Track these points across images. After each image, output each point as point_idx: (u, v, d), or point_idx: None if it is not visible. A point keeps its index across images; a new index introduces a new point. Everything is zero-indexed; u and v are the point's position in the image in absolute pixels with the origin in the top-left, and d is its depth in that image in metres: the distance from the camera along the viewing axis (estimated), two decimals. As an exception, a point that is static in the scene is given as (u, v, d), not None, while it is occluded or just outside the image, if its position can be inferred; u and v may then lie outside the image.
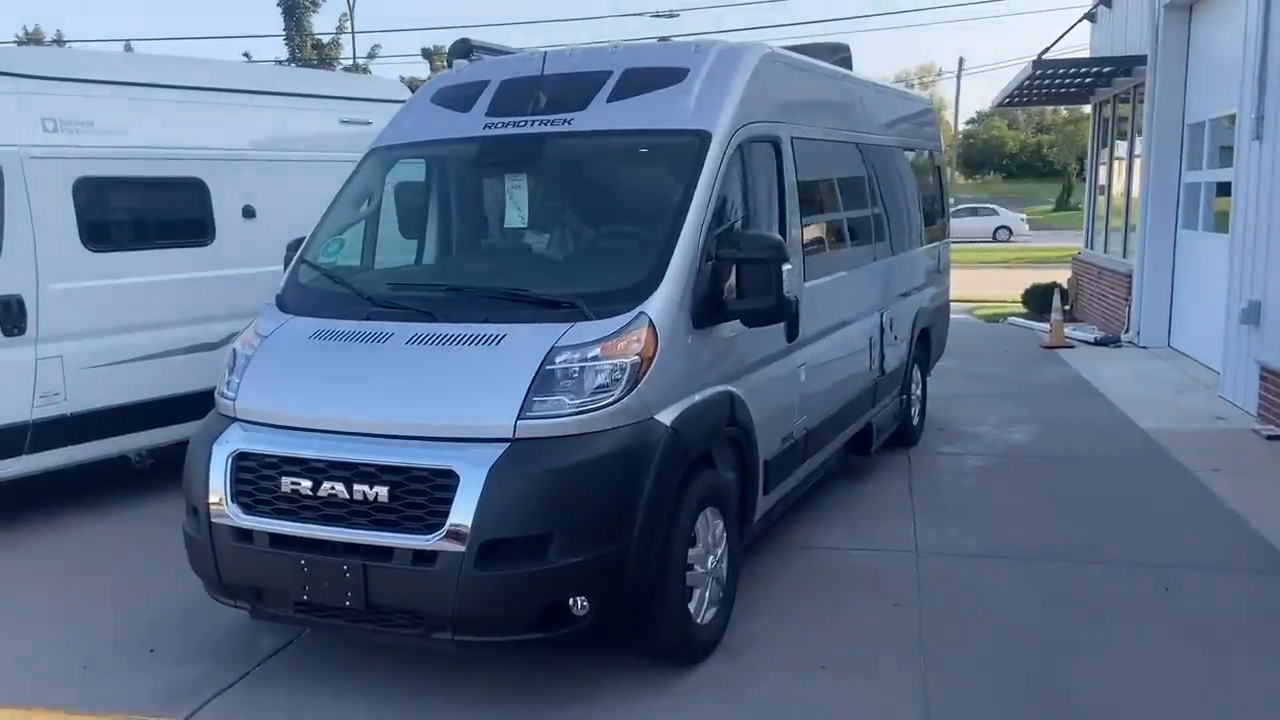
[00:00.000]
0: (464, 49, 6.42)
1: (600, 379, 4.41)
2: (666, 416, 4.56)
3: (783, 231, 5.76)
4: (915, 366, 8.90)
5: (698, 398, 4.80)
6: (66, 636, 5.29)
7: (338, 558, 4.33)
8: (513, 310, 4.72)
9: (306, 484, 4.40)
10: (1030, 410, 10.28)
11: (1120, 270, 15.08)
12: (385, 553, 4.27)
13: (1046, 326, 15.00)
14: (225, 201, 7.96)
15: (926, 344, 9.16)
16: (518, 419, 4.28)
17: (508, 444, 4.26)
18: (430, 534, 4.18)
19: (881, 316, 7.63)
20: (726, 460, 5.28)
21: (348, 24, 41.70)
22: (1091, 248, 18.17)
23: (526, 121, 5.50)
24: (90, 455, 7.28)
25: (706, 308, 4.87)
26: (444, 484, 4.20)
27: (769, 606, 5.51)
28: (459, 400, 4.42)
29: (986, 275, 25.29)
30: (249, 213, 8.08)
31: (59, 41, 62.95)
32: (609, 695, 4.61)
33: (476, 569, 4.13)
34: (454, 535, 4.14)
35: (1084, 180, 16.93)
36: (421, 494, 4.23)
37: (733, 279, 4.92)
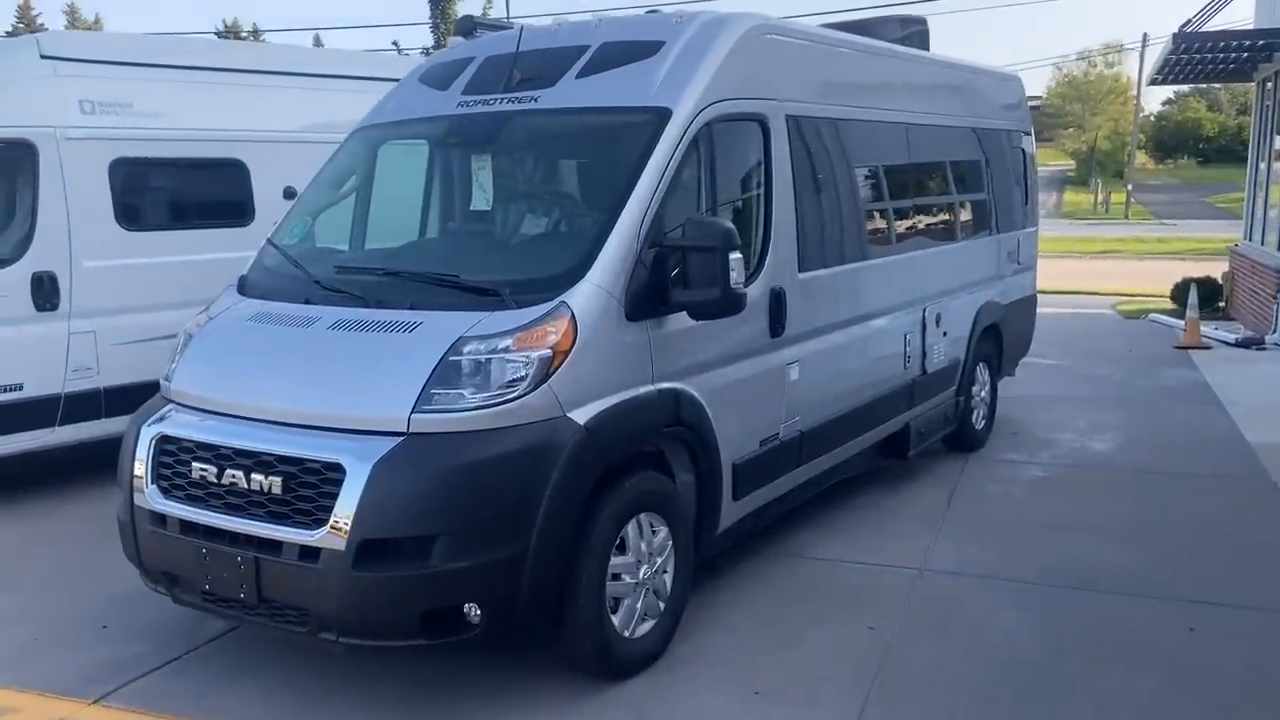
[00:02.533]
0: (468, 27, 6.24)
1: (508, 372, 4.14)
2: (582, 415, 4.25)
3: (768, 218, 5.34)
4: (980, 366, 8.23)
5: (627, 395, 4.46)
6: (25, 609, 5.39)
7: (234, 548, 4.22)
8: (438, 296, 4.51)
9: (213, 471, 4.31)
10: (1127, 416, 9.40)
11: (1270, 264, 13.70)
12: (276, 546, 4.12)
13: (1184, 324, 13.79)
14: (266, 183, 8.03)
15: (997, 342, 8.46)
16: (412, 412, 4.06)
17: (401, 438, 4.05)
18: (315, 529, 4.01)
19: (924, 311, 7.05)
20: (682, 462, 4.93)
21: (490, 10, 42.25)
22: (1250, 239, 16.62)
23: (496, 100, 5.28)
24: (121, 429, 7.46)
25: (646, 299, 4.53)
26: (332, 477, 4.02)
27: (729, 621, 5.13)
28: (359, 390, 4.23)
29: (1137, 267, 23.63)
30: (290, 194, 8.06)
31: (255, 34, 66.61)
32: (521, 702, 4.36)
33: (355, 569, 3.93)
34: (336, 532, 3.96)
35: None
36: (311, 487, 4.07)
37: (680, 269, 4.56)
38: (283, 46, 9.52)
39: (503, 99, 5.26)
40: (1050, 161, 77.61)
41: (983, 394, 8.33)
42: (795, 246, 5.54)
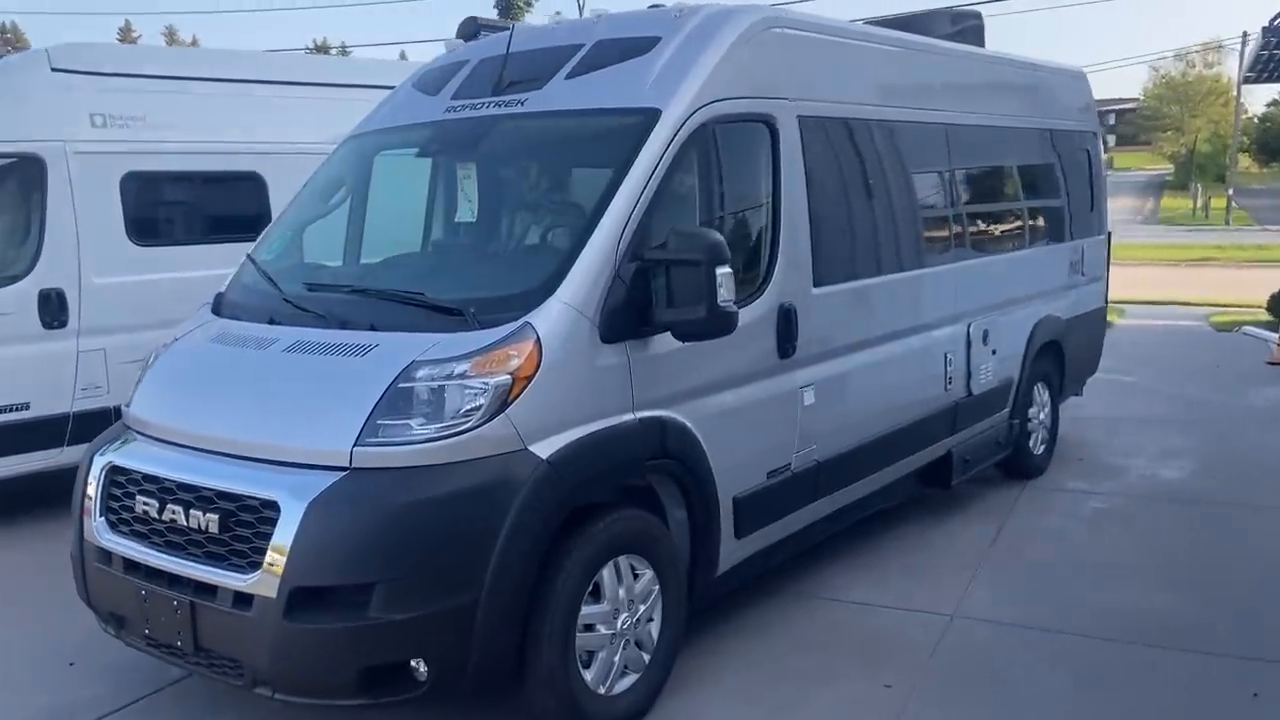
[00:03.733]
0: (471, 29, 5.88)
1: (463, 401, 3.75)
2: (545, 448, 3.83)
3: (775, 228, 4.87)
4: (1039, 386, 7.61)
5: (602, 425, 4.03)
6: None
7: (172, 591, 3.90)
8: (401, 316, 4.14)
9: (155, 505, 4.00)
10: (1205, 441, 8.64)
11: (1375, 274, 12.68)
12: (211, 591, 3.79)
13: (1277, 338, 12.86)
14: (284, 196, 7.66)
15: (1058, 359, 7.81)
16: (355, 444, 3.69)
17: (343, 473, 3.68)
18: (249, 574, 3.67)
19: (969, 328, 6.48)
20: (673, 498, 4.49)
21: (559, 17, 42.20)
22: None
23: (484, 104, 4.92)
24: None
25: (626, 318, 4.10)
26: (268, 516, 3.67)
27: (730, 674, 4.66)
28: (303, 419, 3.89)
29: (1235, 276, 22.39)
30: (309, 207, 7.90)
31: (343, 51, 67.93)
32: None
33: (286, 619, 3.57)
34: (269, 578, 3.61)
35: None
36: (248, 526, 3.73)
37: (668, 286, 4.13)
38: (302, 56, 9.34)
39: (490, 103, 4.90)
40: (1148, 166, 75.02)
41: (1041, 416, 7.69)
42: (810, 259, 5.06)
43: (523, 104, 4.79)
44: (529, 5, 47.05)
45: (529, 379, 3.81)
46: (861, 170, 5.61)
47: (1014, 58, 7.59)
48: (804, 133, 5.06)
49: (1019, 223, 7.25)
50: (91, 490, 4.30)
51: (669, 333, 4.20)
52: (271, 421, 3.94)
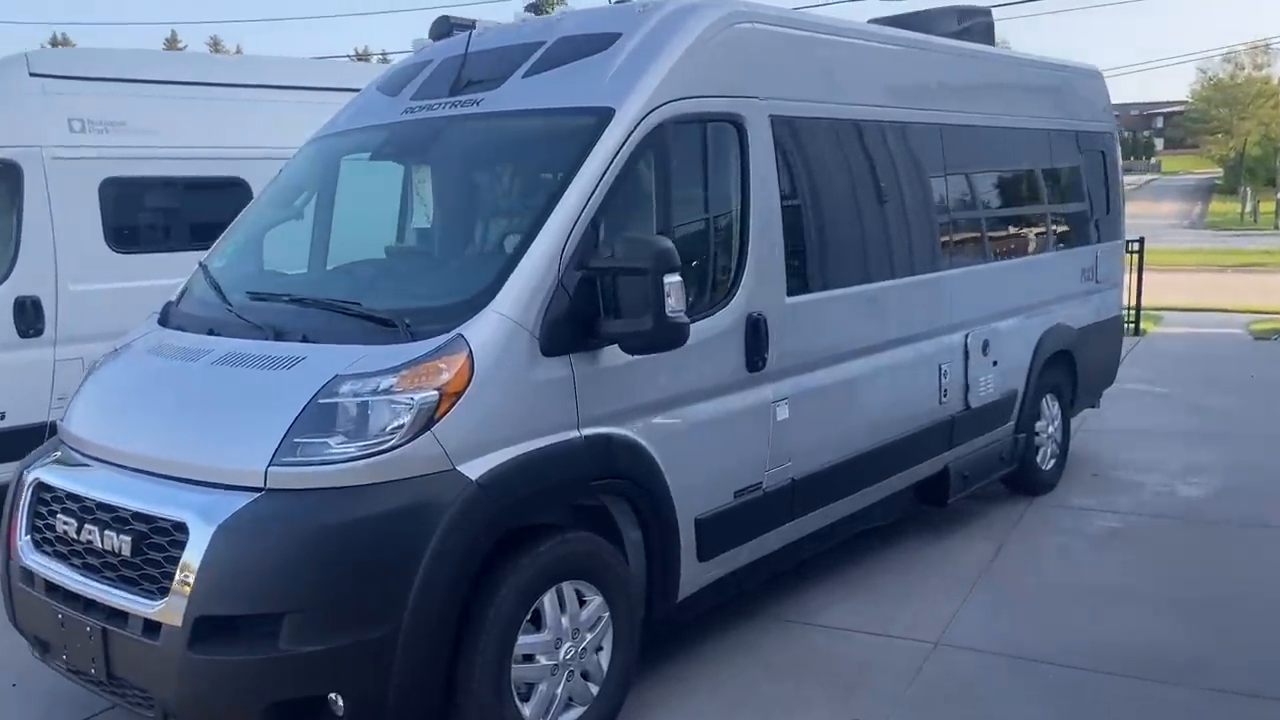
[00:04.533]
0: (443, 29, 5.66)
1: (387, 418, 3.53)
2: (476, 468, 3.60)
3: (744, 234, 4.60)
4: (1048, 398, 7.27)
5: (541, 443, 3.79)
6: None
7: (87, 616, 3.71)
8: (335, 327, 3.93)
9: (74, 525, 3.82)
10: (1232, 456, 8.22)
11: None
12: (124, 617, 3.60)
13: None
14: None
15: (1069, 370, 7.46)
16: (270, 464, 3.48)
17: (257, 494, 3.47)
18: (157, 600, 3.47)
19: (966, 338, 6.17)
20: (628, 519, 4.24)
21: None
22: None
23: (440, 105, 4.72)
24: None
25: (570, 330, 3.86)
26: (179, 540, 3.47)
27: (690, 703, 4.40)
28: (223, 436, 3.69)
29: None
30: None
31: (384, 58, 68.41)
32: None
33: (191, 650, 3.37)
34: (175, 606, 3.41)
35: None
36: (159, 550, 3.53)
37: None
38: (288, 60, 9.20)
39: (446, 104, 4.69)
40: (1196, 169, 73.64)
41: (1050, 430, 7.34)
42: (783, 267, 4.79)
43: (478, 104, 4.58)
44: (562, 1, 46.97)
45: (459, 394, 3.58)
46: (844, 173, 5.33)
47: (1020, 56, 7.27)
48: (778, 133, 4.80)
49: (1023, 228, 6.92)
50: (19, 507, 4.13)
51: (617, 345, 3.96)
52: (190, 438, 3.75)
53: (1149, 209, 56.94)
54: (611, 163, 4.07)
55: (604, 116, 4.16)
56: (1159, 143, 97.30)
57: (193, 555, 3.39)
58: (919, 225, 5.81)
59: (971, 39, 7.26)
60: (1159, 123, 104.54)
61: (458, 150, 4.72)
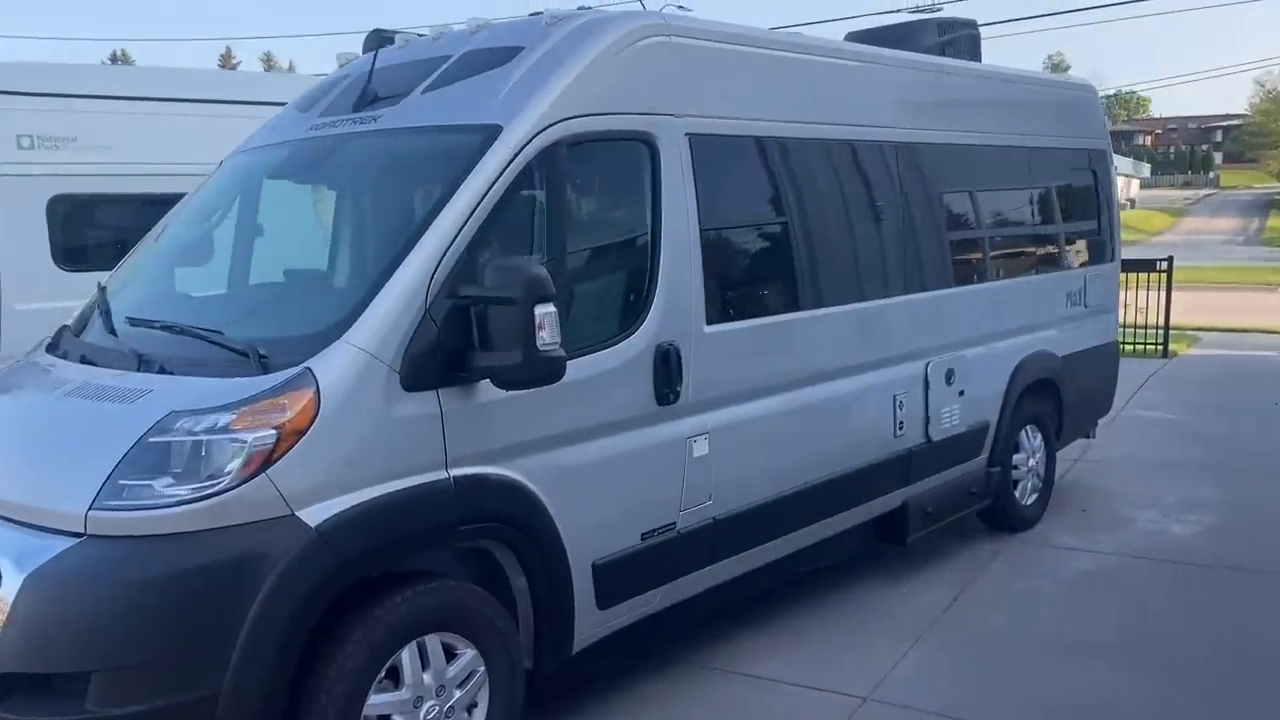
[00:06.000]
0: (376, 42, 5.44)
1: (219, 459, 3.28)
2: (317, 513, 3.34)
3: (654, 259, 4.31)
4: (1029, 429, 6.87)
5: (400, 486, 3.52)
6: None
7: None
8: (193, 357, 3.70)
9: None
10: (1234, 492, 7.74)
11: None
12: None
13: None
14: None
15: (1053, 400, 7.05)
16: (91, 507, 3.24)
17: (76, 540, 3.24)
18: (-33, 653, 3.25)
19: (926, 367, 5.81)
20: (514, 565, 3.96)
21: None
22: None
23: (342, 121, 4.49)
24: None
25: (438, 363, 3.60)
26: None
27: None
28: (48, 475, 3.48)
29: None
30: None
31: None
32: None
33: (-3, 709, 3.15)
34: (-14, 659, 3.19)
35: None
36: (-24, 596, 3.31)
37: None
38: (246, 74, 9.07)
39: (347, 120, 4.47)
40: (1254, 184, 71.77)
41: (1032, 463, 6.94)
42: (702, 293, 4.48)
43: (375, 121, 4.35)
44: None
45: (301, 433, 3.33)
46: (777, 194, 5.01)
47: (996, 69, 6.89)
48: (698, 153, 4.50)
49: (995, 250, 6.53)
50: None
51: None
52: (23, 476, 3.54)
53: (1206, 225, 55.71)
54: (495, 184, 3.81)
55: (490, 134, 3.90)
56: (1217, 156, 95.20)
57: (0, 606, 3.16)
58: (867, 249, 5.45)
59: (955, 52, 6.94)
60: (1218, 136, 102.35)
61: (348, 169, 4.50)
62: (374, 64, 4.57)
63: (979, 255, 6.35)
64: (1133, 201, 74.80)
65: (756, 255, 4.84)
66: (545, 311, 3.51)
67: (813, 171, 5.19)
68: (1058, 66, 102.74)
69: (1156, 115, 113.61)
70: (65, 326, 4.64)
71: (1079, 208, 7.35)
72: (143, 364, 3.78)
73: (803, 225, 5.07)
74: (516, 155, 3.87)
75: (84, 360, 4.06)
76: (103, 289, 4.66)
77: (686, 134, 4.47)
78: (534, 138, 3.93)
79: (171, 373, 3.67)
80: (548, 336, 3.52)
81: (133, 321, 4.21)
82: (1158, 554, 6.44)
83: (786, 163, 5.03)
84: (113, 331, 4.19)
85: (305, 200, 4.69)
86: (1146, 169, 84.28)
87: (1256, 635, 5.23)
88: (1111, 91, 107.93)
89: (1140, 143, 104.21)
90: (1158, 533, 6.85)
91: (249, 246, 4.72)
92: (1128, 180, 76.78)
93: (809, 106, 5.14)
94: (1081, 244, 7.36)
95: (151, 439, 3.32)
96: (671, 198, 4.38)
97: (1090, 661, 4.94)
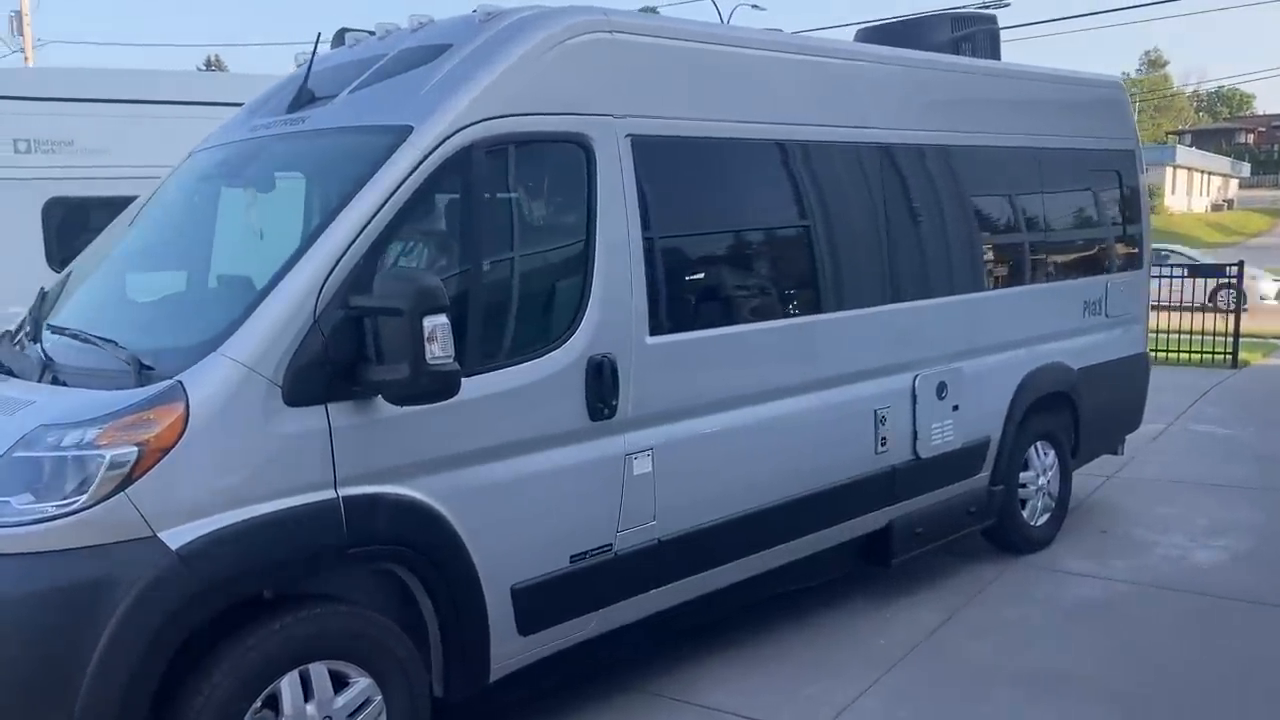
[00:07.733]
0: (341, 41, 5.33)
1: (78, 475, 3.15)
2: (181, 535, 3.18)
3: (588, 267, 4.08)
4: (1039, 445, 6.48)
5: (279, 506, 3.35)
6: None
7: None
8: (85, 368, 3.61)
9: None
10: (1271, 517, 7.21)
11: None
12: None
13: None
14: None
15: (1069, 415, 6.64)
16: None
17: None
18: None
19: (915, 380, 5.48)
20: (420, 588, 3.77)
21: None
22: None
23: (276, 122, 4.37)
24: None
25: (327, 376, 3.42)
26: None
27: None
28: None
29: None
30: (251, 234, 7.53)
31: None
32: None
33: None
34: None
35: None
36: None
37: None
38: (242, 76, 9.00)
39: (280, 121, 4.34)
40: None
41: (1042, 481, 6.54)
42: (645, 303, 4.24)
43: (304, 122, 4.21)
44: None
45: (167, 450, 3.18)
46: (733, 198, 4.74)
47: (1005, 66, 6.51)
48: (641, 155, 4.26)
49: (996, 257, 6.14)
50: None
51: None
52: None
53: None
54: (400, 187, 3.62)
55: (400, 135, 3.72)
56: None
57: None
58: (836, 257, 5.10)
59: (973, 49, 6.60)
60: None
61: (268, 172, 4.37)
62: (311, 64, 4.41)
63: (973, 263, 5.96)
64: (1230, 202, 71.97)
65: (708, 263, 4.59)
66: (436, 323, 3.31)
67: (772, 174, 4.91)
68: (1155, 63, 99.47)
69: (1261, 113, 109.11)
70: (6, 332, 4.59)
71: (1100, 212, 6.91)
72: (44, 374, 3.69)
73: (761, 231, 4.79)
74: (427, 157, 3.68)
75: (4, 370, 3.98)
76: (43, 294, 4.60)
77: (628, 135, 4.23)
78: (447, 139, 3.73)
79: (65, 383, 3.57)
80: (439, 350, 3.33)
81: (52, 329, 4.12)
82: (1170, 583, 5.99)
83: (741, 166, 4.75)
84: (36, 339, 4.10)
85: (238, 203, 4.56)
86: (1246, 168, 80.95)
87: (1257, 674, 4.80)
88: (1212, 87, 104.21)
89: (1242, 140, 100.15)
90: (1178, 559, 6.40)
91: (183, 250, 4.61)
92: (1225, 180, 73.87)
93: (767, 106, 4.84)
94: (1102, 250, 6.92)
95: (16, 453, 3.20)
96: (609, 203, 4.15)
97: (1058, 700, 4.59)
